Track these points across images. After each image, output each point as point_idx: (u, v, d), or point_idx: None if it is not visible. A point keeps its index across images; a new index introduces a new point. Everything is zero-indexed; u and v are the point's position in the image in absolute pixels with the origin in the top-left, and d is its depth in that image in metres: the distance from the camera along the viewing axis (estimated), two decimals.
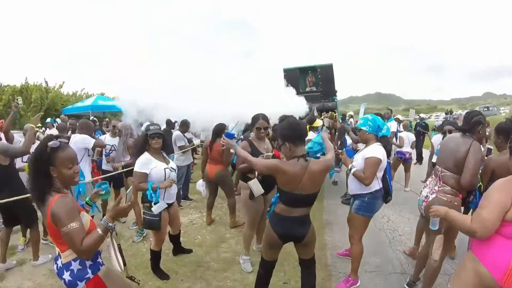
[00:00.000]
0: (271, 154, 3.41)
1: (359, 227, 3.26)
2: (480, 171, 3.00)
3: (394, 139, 6.67)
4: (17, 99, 4.02)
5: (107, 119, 12.33)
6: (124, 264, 2.19)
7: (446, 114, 17.04)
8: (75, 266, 1.84)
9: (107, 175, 4.86)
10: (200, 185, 5.00)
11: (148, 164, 3.23)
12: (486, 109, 30.45)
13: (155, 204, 3.17)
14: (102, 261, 2.00)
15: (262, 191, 3.33)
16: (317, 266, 3.69)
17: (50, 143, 1.77)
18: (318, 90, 13.90)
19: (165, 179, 3.28)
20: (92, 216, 2.11)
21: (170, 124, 6.83)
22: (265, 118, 3.52)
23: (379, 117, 3.30)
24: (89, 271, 1.88)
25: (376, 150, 3.06)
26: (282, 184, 2.46)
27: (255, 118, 3.54)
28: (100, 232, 1.75)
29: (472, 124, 2.94)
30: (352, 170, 3.15)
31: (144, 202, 3.27)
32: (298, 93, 14.34)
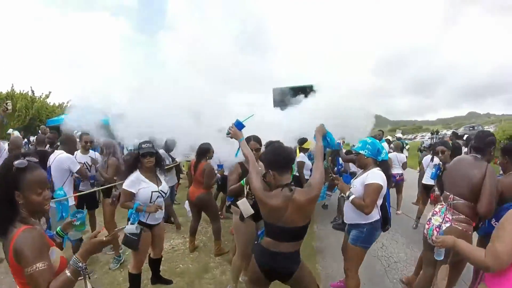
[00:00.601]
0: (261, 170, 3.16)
1: (356, 259, 3.01)
2: None
3: None
4: (6, 103, 3.78)
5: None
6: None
7: (432, 134, 17.29)
8: None
9: (84, 192, 4.39)
10: (187, 205, 4.69)
11: (137, 184, 3.08)
12: (472, 128, 30.35)
13: (130, 224, 2.97)
14: None
15: (252, 211, 3.09)
16: None
17: (16, 163, 1.47)
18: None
19: (150, 202, 3.11)
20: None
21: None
22: (256, 139, 3.36)
23: (378, 142, 3.08)
24: None
25: (376, 176, 2.84)
26: (265, 215, 2.27)
27: (247, 140, 3.28)
28: (68, 274, 1.45)
29: (487, 145, 2.78)
30: (351, 198, 2.90)
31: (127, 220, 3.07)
32: (286, 105, 14.37)
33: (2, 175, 1.49)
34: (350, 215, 3.01)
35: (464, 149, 8.96)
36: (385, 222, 3.03)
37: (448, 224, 2.72)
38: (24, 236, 1.42)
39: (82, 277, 1.58)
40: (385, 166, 2.99)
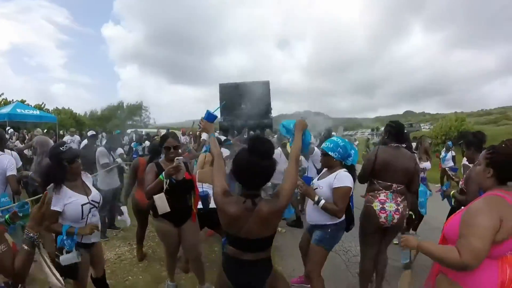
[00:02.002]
0: (182, 158, 2.93)
1: (320, 260, 2.87)
2: (463, 180, 3.15)
3: None
4: None
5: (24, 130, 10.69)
6: (63, 278, 1.97)
7: (372, 130, 18.38)
8: None
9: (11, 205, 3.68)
10: (125, 215, 4.20)
11: (61, 199, 2.41)
12: (409, 125, 32.78)
13: (66, 252, 2.35)
14: None
15: (168, 209, 2.88)
16: None
17: None
18: (254, 107, 13.88)
19: (82, 218, 2.48)
20: None
21: (94, 137, 5.90)
22: (174, 136, 3.15)
23: (350, 143, 2.94)
24: None
25: (345, 179, 2.72)
26: (224, 225, 1.95)
27: (164, 137, 3.11)
28: (25, 247, 1.59)
29: (407, 136, 3.11)
30: (321, 203, 2.70)
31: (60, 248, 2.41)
32: (234, 109, 14.22)
33: None
34: (314, 216, 2.86)
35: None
36: (349, 221, 2.96)
37: (401, 206, 3.04)
38: None
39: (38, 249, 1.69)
40: (351, 169, 2.88)
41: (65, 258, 2.35)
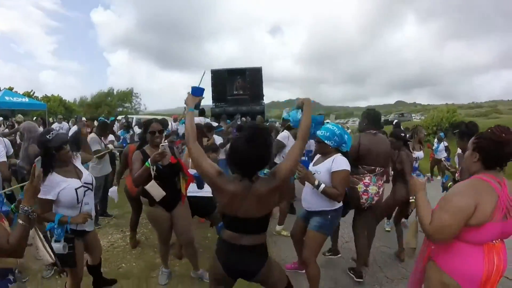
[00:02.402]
0: (166, 144, 2.99)
1: (318, 246, 2.88)
2: (459, 171, 3.21)
3: None
4: None
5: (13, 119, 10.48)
6: (55, 254, 2.02)
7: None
8: None
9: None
10: (113, 191, 4.16)
11: (53, 187, 2.34)
12: (401, 115, 33.17)
13: (55, 241, 2.31)
14: (13, 279, 1.81)
15: (163, 193, 2.88)
16: None
17: None
18: (246, 94, 13.78)
19: (77, 203, 2.43)
20: None
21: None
22: (159, 121, 3.14)
23: (344, 130, 2.91)
24: None
25: (342, 162, 2.74)
26: (221, 205, 1.96)
27: (148, 123, 3.09)
28: (20, 221, 1.63)
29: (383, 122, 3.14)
30: (321, 187, 2.67)
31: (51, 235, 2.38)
32: (225, 95, 14.13)
33: None
34: (315, 202, 2.84)
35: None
36: (346, 206, 2.98)
37: (382, 189, 3.40)
38: None
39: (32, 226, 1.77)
40: (346, 155, 2.86)
41: (55, 247, 2.31)
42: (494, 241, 1.71)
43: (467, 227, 1.67)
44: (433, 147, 8.77)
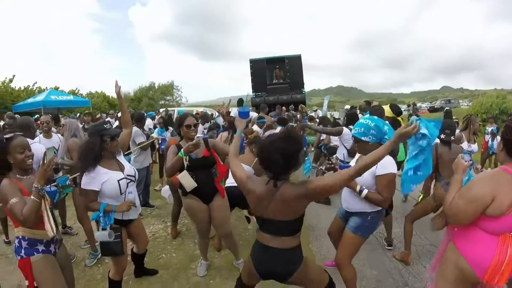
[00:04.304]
0: (202, 136, 2.99)
1: (353, 249, 2.65)
2: None
3: None
4: None
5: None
6: (57, 227, 2.19)
7: (408, 106, 17.40)
8: (18, 242, 2.06)
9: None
10: (166, 191, 4.24)
11: (97, 178, 2.47)
12: (448, 101, 31.23)
13: (102, 229, 2.46)
14: (42, 250, 2.09)
15: (195, 184, 2.90)
16: None
17: (5, 136, 2.06)
18: (286, 82, 13.63)
19: (120, 194, 2.55)
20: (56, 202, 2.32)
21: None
22: (193, 115, 3.12)
23: (376, 119, 2.60)
24: (23, 251, 2.04)
25: (388, 165, 2.42)
26: (252, 207, 2.05)
27: (183, 117, 3.09)
28: (32, 197, 1.89)
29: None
30: (364, 193, 2.47)
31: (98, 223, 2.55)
32: (265, 85, 14.07)
33: None
34: (353, 203, 2.63)
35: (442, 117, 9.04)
36: (390, 207, 2.75)
37: None
38: (2, 184, 1.97)
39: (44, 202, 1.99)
40: (392, 153, 2.50)
41: (99, 235, 2.46)
42: (510, 233, 1.72)
43: (485, 215, 1.72)
44: (488, 144, 8.03)
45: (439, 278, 2.09)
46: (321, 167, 5.87)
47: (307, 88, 15.68)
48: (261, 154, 1.89)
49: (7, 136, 2.06)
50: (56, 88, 20.88)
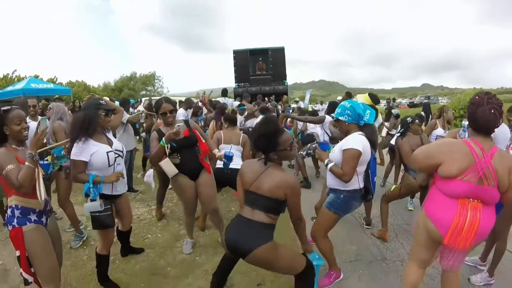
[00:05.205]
0: (182, 124, 3.09)
1: (326, 223, 2.79)
2: None
3: None
4: None
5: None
6: (49, 196, 2.22)
7: (387, 101, 17.79)
8: (10, 211, 2.07)
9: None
10: (150, 176, 4.26)
11: (86, 150, 2.50)
12: (427, 98, 31.91)
13: (90, 201, 2.49)
14: (35, 220, 2.11)
15: (176, 171, 3.09)
16: None
17: (2, 108, 2.07)
18: (268, 73, 13.70)
19: (109, 165, 2.59)
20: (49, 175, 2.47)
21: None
22: (168, 100, 3.21)
23: (358, 103, 2.77)
24: (16, 221, 2.05)
25: (355, 141, 2.58)
26: (244, 182, 2.24)
27: (158, 104, 3.16)
28: (27, 163, 1.95)
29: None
30: (329, 166, 2.69)
31: (86, 196, 2.58)
32: (248, 75, 14.10)
33: None
34: (330, 180, 2.80)
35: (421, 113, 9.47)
36: (366, 192, 2.80)
37: None
38: None
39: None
40: (368, 130, 2.70)
41: (89, 206, 2.49)
42: (470, 199, 1.90)
43: (441, 178, 1.97)
44: (461, 136, 8.40)
45: (413, 241, 2.32)
46: (300, 152, 6.07)
47: (290, 81, 15.84)
48: (250, 138, 2.18)
49: (4, 108, 2.08)
50: (36, 76, 20.27)
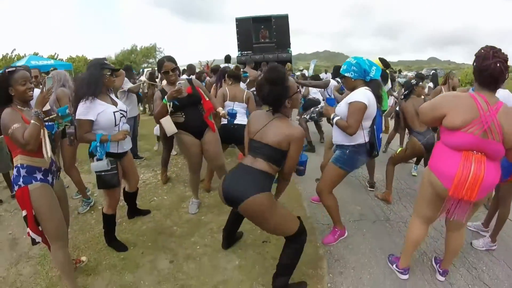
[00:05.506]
0: (184, 81, 3.10)
1: (332, 179, 2.81)
2: None
3: None
4: None
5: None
6: (54, 153, 2.24)
7: (394, 73, 17.34)
8: (16, 171, 2.07)
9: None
10: (157, 129, 4.29)
11: (93, 109, 2.44)
12: (434, 71, 31.45)
13: (97, 160, 2.47)
14: (40, 178, 2.09)
15: (175, 130, 3.12)
16: None
17: (8, 69, 2.07)
18: (272, 41, 13.42)
19: (115, 125, 2.57)
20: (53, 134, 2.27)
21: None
22: (170, 59, 3.12)
23: (364, 59, 2.73)
24: (22, 180, 2.05)
25: (361, 94, 2.56)
26: (250, 131, 2.18)
27: (160, 63, 3.11)
28: (33, 121, 1.94)
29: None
30: (335, 119, 2.68)
31: (92, 156, 2.55)
32: (251, 43, 13.82)
33: (0, 78, 2.04)
34: (336, 136, 2.80)
35: (430, 84, 9.34)
36: (371, 147, 2.79)
37: None
38: (4, 112, 1.99)
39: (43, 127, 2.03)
40: (374, 85, 2.68)
41: (97, 165, 2.47)
42: (474, 152, 1.89)
43: (444, 128, 1.97)
44: None
45: (418, 197, 2.34)
46: (304, 116, 6.13)
47: (294, 52, 15.49)
48: (256, 89, 2.10)
49: (9, 69, 2.07)
50: (36, 54, 19.95)
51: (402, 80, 7.60)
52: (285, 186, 2.32)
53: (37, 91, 2.30)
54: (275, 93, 2.00)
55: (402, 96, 4.05)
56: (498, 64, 1.81)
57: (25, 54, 19.61)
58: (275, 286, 2.25)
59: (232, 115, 3.75)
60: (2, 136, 2.10)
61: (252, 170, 2.02)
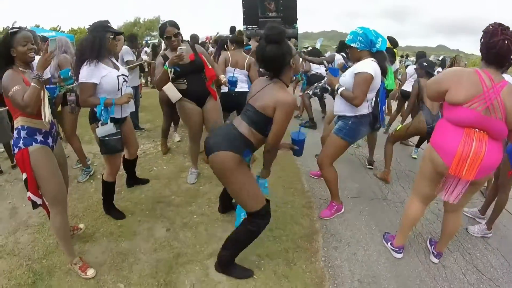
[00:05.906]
0: (186, 46, 3.04)
1: (334, 150, 2.80)
2: None
3: None
4: None
5: None
6: (54, 117, 2.25)
7: (401, 57, 16.95)
8: (17, 133, 2.05)
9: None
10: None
11: (96, 72, 2.39)
12: (443, 57, 30.89)
13: (102, 125, 2.45)
14: (41, 140, 2.08)
15: (179, 96, 3.11)
16: (294, 193, 3.33)
17: (10, 30, 2.03)
18: (278, 16, 13.09)
19: (118, 89, 2.53)
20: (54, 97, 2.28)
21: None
22: (173, 24, 3.04)
23: (370, 29, 2.65)
24: (22, 142, 2.03)
25: (367, 65, 2.52)
26: (250, 97, 2.12)
27: (162, 28, 3.03)
28: (33, 84, 1.90)
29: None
30: (340, 90, 2.65)
31: (96, 121, 2.53)
32: (257, 17, 13.50)
33: (2, 39, 2.02)
34: (338, 107, 2.78)
35: (439, 69, 9.25)
36: (374, 119, 2.78)
37: None
38: (5, 74, 1.96)
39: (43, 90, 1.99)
40: (380, 57, 2.64)
41: (103, 130, 2.46)
42: (476, 129, 1.86)
43: (447, 104, 1.96)
44: None
45: (417, 175, 2.32)
46: (307, 92, 6.11)
47: (301, 30, 15.14)
48: (256, 52, 2.03)
49: (12, 30, 2.02)
50: (37, 26, 19.63)
51: (408, 63, 7.45)
52: (270, 159, 2.16)
53: (38, 58, 2.26)
54: (275, 51, 1.91)
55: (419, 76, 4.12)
56: (506, 42, 1.76)
57: (26, 27, 19.40)
58: (218, 257, 2.25)
59: (233, 82, 3.68)
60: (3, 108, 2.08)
61: (234, 131, 2.00)
